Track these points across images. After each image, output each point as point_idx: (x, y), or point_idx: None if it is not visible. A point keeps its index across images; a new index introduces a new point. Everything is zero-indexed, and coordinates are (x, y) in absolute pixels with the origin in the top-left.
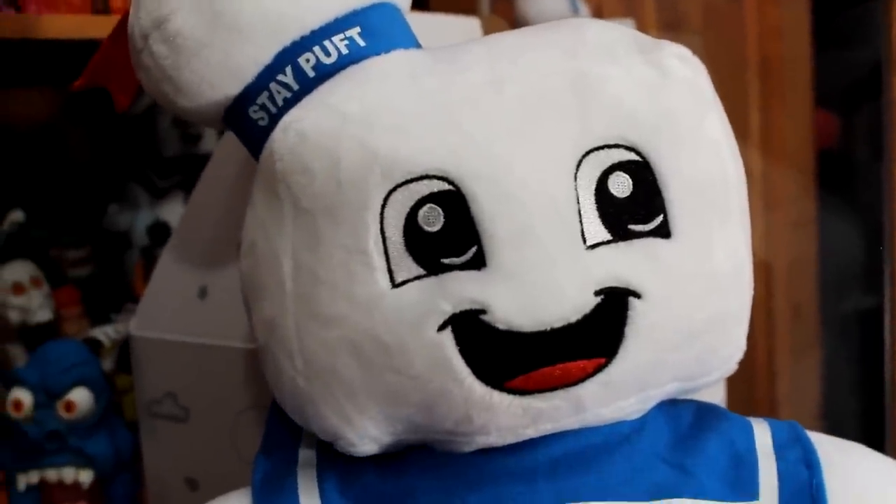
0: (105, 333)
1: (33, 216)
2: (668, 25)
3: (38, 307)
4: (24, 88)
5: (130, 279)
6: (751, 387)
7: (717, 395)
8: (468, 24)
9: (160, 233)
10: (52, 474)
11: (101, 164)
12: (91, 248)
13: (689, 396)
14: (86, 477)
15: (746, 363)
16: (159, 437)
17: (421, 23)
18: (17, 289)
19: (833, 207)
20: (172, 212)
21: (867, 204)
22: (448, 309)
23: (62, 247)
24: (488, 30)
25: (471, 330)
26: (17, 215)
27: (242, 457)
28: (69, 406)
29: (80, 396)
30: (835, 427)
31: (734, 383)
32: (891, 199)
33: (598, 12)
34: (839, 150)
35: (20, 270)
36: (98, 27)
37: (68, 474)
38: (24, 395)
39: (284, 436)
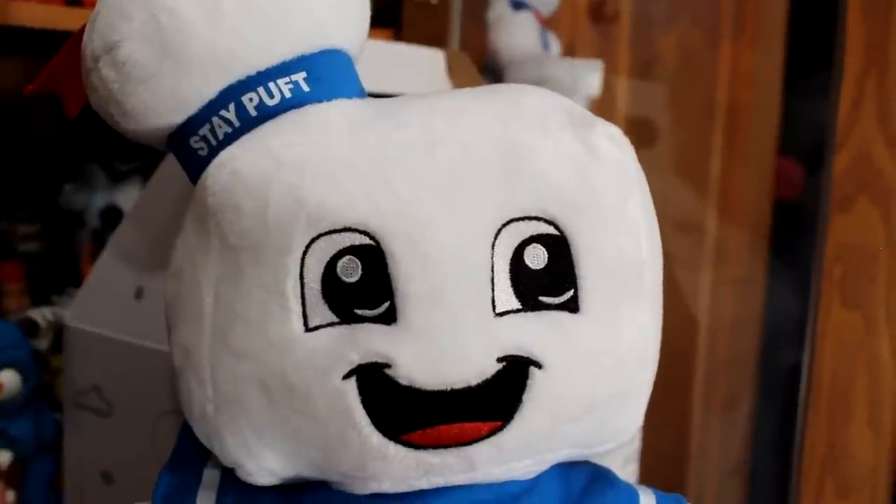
0: (43, 315)
1: None
2: (641, 65)
3: None
4: None
5: (78, 260)
6: (680, 436)
7: (631, 444)
8: (433, 57)
9: (112, 217)
10: None
11: (63, 140)
12: (42, 224)
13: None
14: (4, 457)
15: (677, 413)
16: (81, 428)
17: (388, 52)
18: None
19: (783, 263)
20: (128, 197)
21: (807, 288)
22: (355, 359)
23: (13, 220)
24: (453, 64)
25: (374, 382)
26: None
27: (159, 458)
28: None
29: (8, 378)
30: (753, 480)
31: (663, 431)
32: (818, 286)
33: (571, 49)
34: (799, 203)
35: None
36: (71, 19)
37: None
38: None
39: (192, 454)
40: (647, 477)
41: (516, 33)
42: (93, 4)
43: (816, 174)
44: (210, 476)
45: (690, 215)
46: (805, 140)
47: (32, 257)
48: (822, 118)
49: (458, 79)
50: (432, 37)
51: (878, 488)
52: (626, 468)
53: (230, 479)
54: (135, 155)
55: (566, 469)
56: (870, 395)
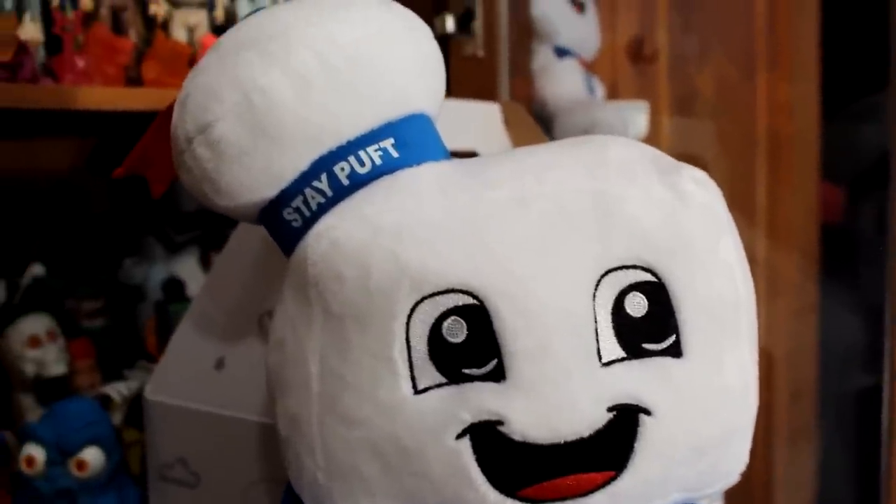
0: (117, 391)
1: (51, 266)
2: (681, 101)
3: (53, 361)
4: (47, 138)
5: (142, 333)
6: (747, 471)
7: None
8: (489, 110)
9: (174, 289)
10: None
11: (118, 215)
12: (105, 299)
13: None
14: None
15: None
16: (168, 501)
17: (444, 108)
18: (33, 342)
19: (835, 290)
20: (187, 267)
21: (869, 286)
22: (467, 418)
23: (78, 297)
24: (508, 114)
25: (488, 439)
26: (37, 269)
27: None
28: (81, 465)
29: (93, 455)
30: None
31: None
32: (892, 292)
33: (614, 89)
34: (843, 227)
35: (37, 323)
36: (131, 99)
37: None
38: (37, 452)
39: None
40: None
41: (562, 81)
42: (153, 83)
43: (856, 196)
44: None
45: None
46: (844, 164)
47: (98, 333)
48: (859, 141)
49: (515, 130)
50: (481, 91)
51: None
52: None
53: None
54: (190, 226)
55: None
56: None
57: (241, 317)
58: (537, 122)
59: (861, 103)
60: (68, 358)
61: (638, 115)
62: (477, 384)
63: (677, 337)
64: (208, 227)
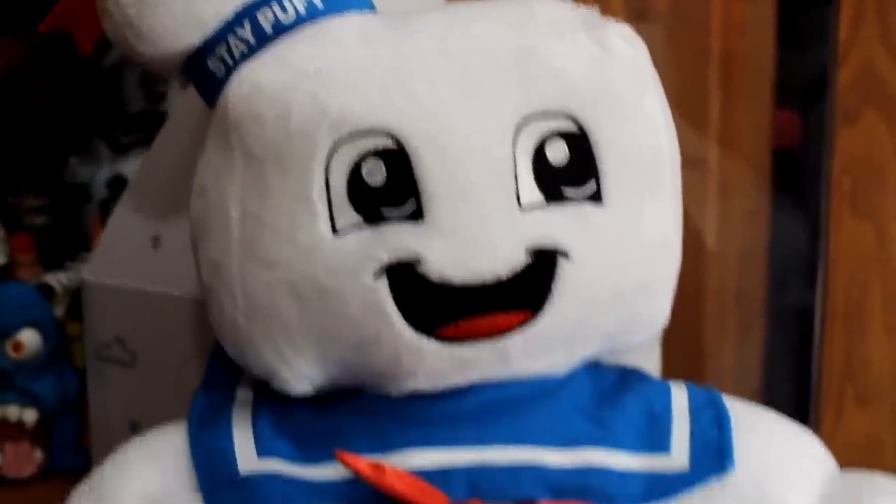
0: (58, 280)
1: None
2: (634, 12)
3: None
4: None
5: (87, 231)
6: (699, 362)
7: (652, 364)
8: None
9: (120, 187)
10: None
11: (64, 115)
12: (49, 198)
13: (619, 360)
14: (30, 416)
15: (689, 345)
16: (106, 381)
17: None
18: None
19: (784, 205)
20: (133, 168)
21: (816, 202)
22: (384, 258)
23: (20, 195)
24: None
25: (405, 279)
26: None
27: (186, 403)
28: (17, 346)
29: (29, 337)
30: (770, 403)
31: (677, 362)
32: (827, 198)
33: None
34: (795, 149)
35: None
36: None
37: (13, 412)
38: None
39: (224, 376)
40: None
41: None
42: None
43: (810, 116)
44: (243, 395)
45: (693, 151)
46: (795, 85)
47: (40, 230)
48: (813, 61)
49: None
50: None
51: None
52: None
53: (263, 398)
54: (137, 127)
55: (596, 369)
56: (885, 303)
57: (176, 195)
58: None
59: (806, 20)
60: (8, 249)
61: None
62: (395, 224)
63: (598, 185)
64: (155, 129)
